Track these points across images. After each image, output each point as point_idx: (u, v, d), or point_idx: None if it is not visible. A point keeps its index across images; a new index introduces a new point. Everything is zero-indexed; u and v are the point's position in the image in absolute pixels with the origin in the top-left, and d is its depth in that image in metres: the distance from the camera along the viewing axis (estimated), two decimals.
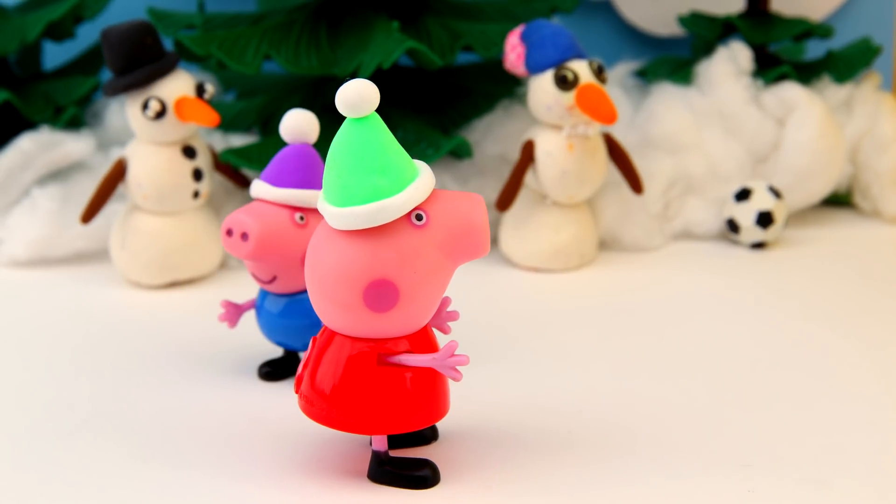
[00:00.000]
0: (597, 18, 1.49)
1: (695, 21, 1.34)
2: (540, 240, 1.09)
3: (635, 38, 1.50)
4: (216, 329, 0.95)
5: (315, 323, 0.79)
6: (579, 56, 1.06)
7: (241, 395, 0.84)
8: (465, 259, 0.66)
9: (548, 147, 1.07)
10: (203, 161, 1.08)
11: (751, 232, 1.13)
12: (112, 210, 1.14)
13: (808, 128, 1.18)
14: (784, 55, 1.36)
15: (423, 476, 0.70)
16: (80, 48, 1.42)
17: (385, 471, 0.70)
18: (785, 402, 0.80)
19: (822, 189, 1.20)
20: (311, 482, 0.71)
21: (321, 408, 0.69)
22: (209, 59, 1.16)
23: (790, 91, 1.21)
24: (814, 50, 1.44)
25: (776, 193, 1.13)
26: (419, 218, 0.65)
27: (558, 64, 1.05)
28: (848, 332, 0.93)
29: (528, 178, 1.09)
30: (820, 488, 0.69)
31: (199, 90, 1.06)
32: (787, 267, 1.10)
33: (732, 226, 1.14)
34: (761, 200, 1.13)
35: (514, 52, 1.08)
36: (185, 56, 1.15)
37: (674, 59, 1.36)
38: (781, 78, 1.25)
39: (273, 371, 0.87)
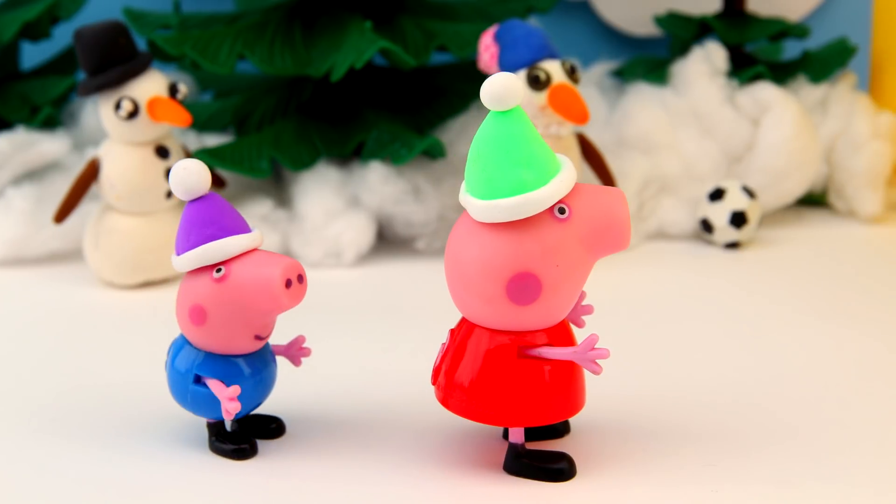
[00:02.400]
0: (575, 18, 1.49)
1: (671, 21, 1.34)
2: None
3: (613, 38, 1.50)
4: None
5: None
6: (552, 56, 1.06)
7: None
8: (605, 252, 0.66)
9: None
10: (176, 161, 1.08)
11: (724, 232, 1.13)
12: (87, 210, 1.14)
13: (783, 128, 1.18)
14: (761, 55, 1.36)
15: (560, 469, 0.70)
16: (58, 48, 1.42)
17: (522, 463, 0.70)
18: (753, 402, 0.80)
19: (797, 189, 1.21)
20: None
21: (460, 399, 0.69)
22: (183, 60, 1.16)
23: (765, 91, 1.21)
24: (792, 50, 1.44)
25: (750, 193, 1.14)
26: (562, 211, 0.65)
27: (531, 64, 1.05)
28: (820, 331, 0.93)
29: None
30: (783, 488, 0.69)
31: (172, 90, 1.06)
32: (761, 267, 1.10)
33: (706, 226, 1.14)
34: (735, 200, 1.13)
35: (487, 53, 1.08)
36: (159, 56, 1.15)
37: (650, 59, 1.36)
38: (756, 78, 1.25)
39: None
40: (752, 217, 1.13)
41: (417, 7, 1.25)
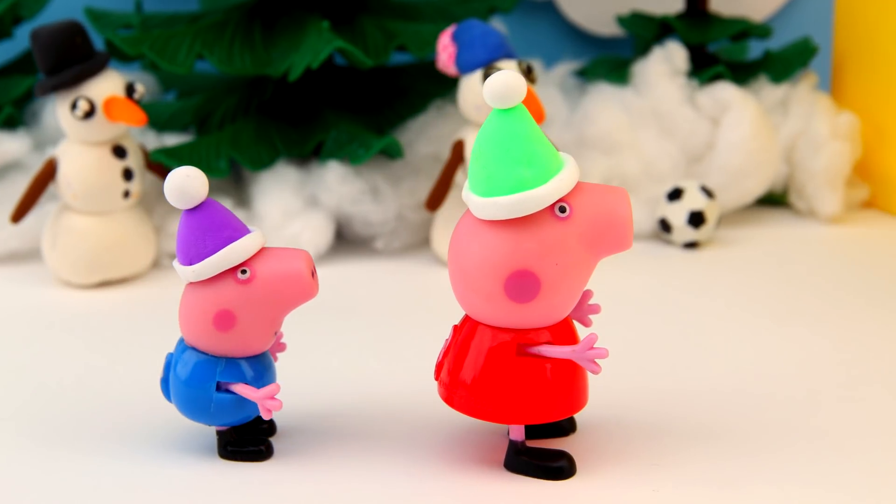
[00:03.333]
0: (540, 18, 1.49)
1: (633, 21, 1.34)
2: None
3: (578, 38, 1.50)
4: (147, 327, 0.96)
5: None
6: (508, 56, 1.06)
7: None
8: (607, 252, 0.66)
9: None
10: (134, 161, 1.08)
11: (683, 232, 1.14)
12: (46, 210, 1.13)
13: (742, 128, 1.19)
14: (725, 55, 1.36)
15: (559, 467, 0.70)
16: (21, 48, 1.41)
17: (522, 461, 0.70)
18: (701, 402, 0.80)
19: (756, 189, 1.21)
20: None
21: (461, 396, 0.69)
22: (141, 60, 1.16)
23: (724, 91, 1.21)
24: (757, 50, 1.44)
25: (708, 193, 1.14)
26: (562, 210, 0.65)
27: (487, 64, 1.05)
28: (776, 331, 0.94)
29: (459, 177, 1.09)
30: (725, 489, 0.69)
31: (129, 90, 1.06)
32: (719, 266, 1.10)
33: (664, 225, 1.15)
34: (693, 200, 1.13)
35: (445, 52, 1.08)
36: (119, 56, 1.15)
37: (613, 59, 1.36)
38: (716, 78, 1.25)
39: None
40: (711, 217, 1.14)
41: (379, 7, 1.25)
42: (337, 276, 1.10)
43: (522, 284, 0.65)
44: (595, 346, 0.67)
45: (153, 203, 1.15)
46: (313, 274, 0.70)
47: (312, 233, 1.11)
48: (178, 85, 1.33)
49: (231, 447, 0.73)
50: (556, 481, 0.69)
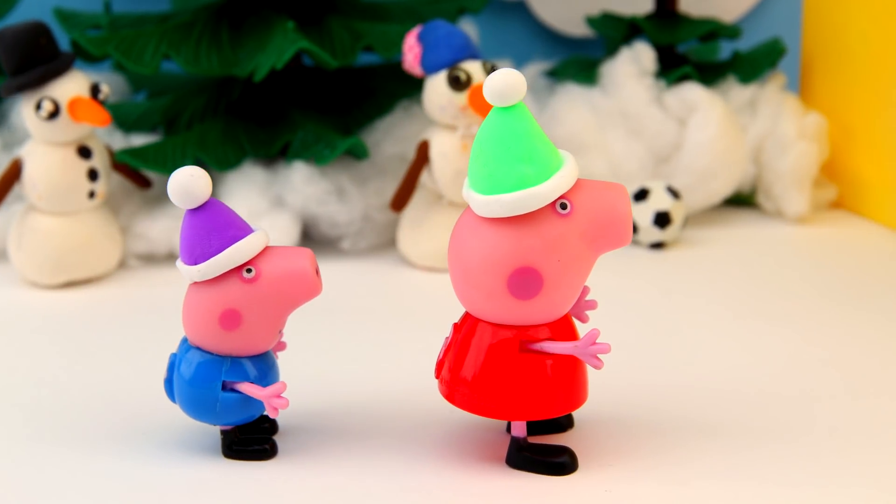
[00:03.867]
0: (511, 19, 1.50)
1: (603, 22, 1.35)
2: (435, 239, 1.09)
3: (550, 39, 1.51)
4: (113, 327, 0.96)
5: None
6: (473, 56, 1.07)
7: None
8: (607, 248, 0.67)
9: (442, 147, 1.07)
10: (99, 161, 1.08)
11: (648, 232, 1.14)
12: (12, 210, 1.13)
13: (708, 128, 1.19)
14: (695, 56, 1.37)
15: (561, 462, 0.70)
16: None
17: (524, 457, 0.71)
18: (657, 403, 0.81)
19: (723, 189, 1.21)
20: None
21: (463, 393, 0.69)
22: (107, 60, 1.16)
23: (691, 92, 1.22)
24: (729, 51, 1.45)
25: (674, 194, 1.14)
26: (563, 206, 0.66)
27: (452, 64, 1.06)
28: (742, 331, 0.94)
29: (425, 177, 1.09)
30: (677, 489, 0.69)
31: (94, 91, 1.06)
32: (685, 267, 1.11)
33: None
34: (659, 201, 1.13)
35: (411, 53, 1.08)
36: (87, 57, 1.15)
37: (583, 59, 1.36)
38: (684, 78, 1.25)
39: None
40: (676, 217, 1.14)
41: (347, 8, 1.25)
42: None
43: (525, 281, 0.66)
44: (597, 341, 0.67)
45: (120, 203, 1.15)
46: (317, 272, 0.71)
47: (278, 233, 1.11)
48: (149, 85, 1.33)
49: (236, 446, 0.73)
50: (558, 476, 0.70)
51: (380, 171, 1.17)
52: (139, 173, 1.13)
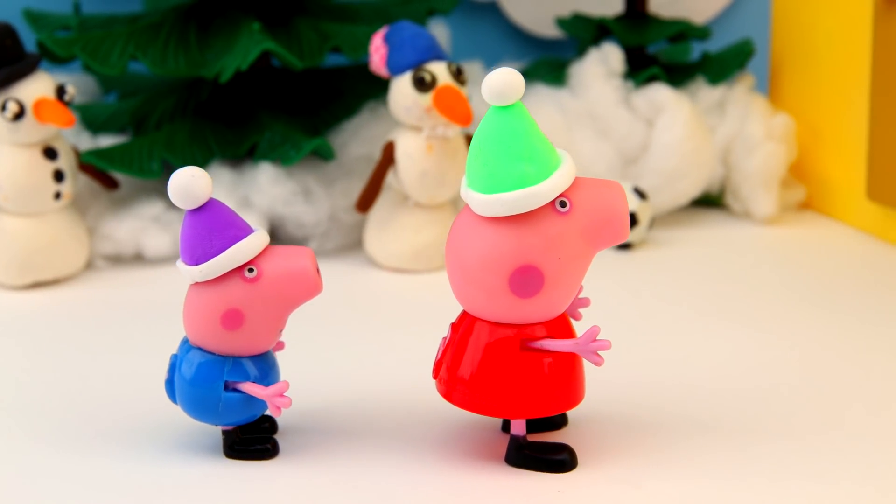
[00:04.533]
0: (483, 20, 1.50)
1: (572, 23, 1.35)
2: (401, 240, 1.09)
3: (522, 40, 1.51)
4: (80, 328, 0.97)
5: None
6: (438, 57, 1.07)
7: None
8: (604, 245, 0.67)
9: (407, 148, 1.07)
10: (65, 162, 1.08)
11: None
12: None
13: (675, 129, 1.19)
14: (666, 57, 1.37)
15: (561, 460, 0.70)
16: None
17: (524, 455, 0.71)
18: (613, 404, 0.81)
19: (691, 190, 1.21)
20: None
21: (462, 392, 0.70)
22: (74, 61, 1.16)
23: (659, 93, 1.22)
24: (700, 52, 1.45)
25: (640, 194, 1.14)
26: (563, 205, 0.66)
27: (417, 65, 1.06)
28: (708, 331, 0.94)
29: (391, 178, 1.10)
30: (629, 490, 0.69)
31: (60, 92, 1.06)
32: (652, 267, 1.11)
33: None
34: None
35: (377, 54, 1.08)
36: (54, 59, 1.15)
37: (553, 60, 1.37)
38: (652, 79, 1.26)
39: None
40: (643, 218, 1.14)
41: (316, 9, 1.25)
42: None
43: (527, 279, 0.66)
44: (597, 338, 0.68)
45: (86, 204, 1.15)
46: (318, 271, 0.71)
47: None
48: (119, 86, 1.33)
49: (237, 446, 0.73)
50: (557, 474, 0.70)
51: (346, 171, 1.17)
52: (106, 174, 1.13)
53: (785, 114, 1.26)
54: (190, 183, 0.68)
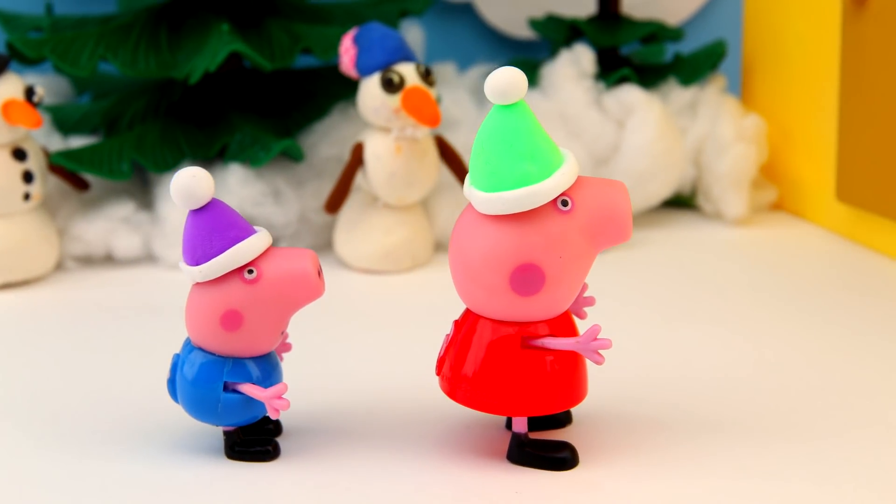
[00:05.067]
0: (458, 21, 1.50)
1: (545, 24, 1.35)
2: (371, 241, 1.09)
3: (496, 41, 1.51)
4: (50, 329, 0.97)
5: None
6: (407, 59, 1.07)
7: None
8: (607, 245, 0.67)
9: (376, 149, 1.07)
10: (35, 163, 1.08)
11: None
12: None
13: (646, 130, 1.19)
14: (641, 58, 1.37)
15: (562, 458, 0.71)
16: None
17: (525, 452, 0.71)
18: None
19: (661, 191, 1.22)
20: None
21: (465, 390, 0.70)
22: (45, 62, 1.16)
23: (629, 94, 1.22)
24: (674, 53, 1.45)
25: None
26: (565, 203, 0.66)
27: (385, 66, 1.06)
28: (679, 332, 0.94)
29: (360, 180, 1.10)
30: (588, 489, 0.69)
31: (29, 93, 1.06)
32: (622, 268, 1.11)
33: None
34: None
35: (347, 55, 1.09)
36: (21, 59, 1.15)
37: (525, 61, 1.37)
38: (624, 80, 1.26)
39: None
40: None
41: (288, 10, 1.25)
42: None
43: (527, 278, 0.66)
44: (598, 336, 0.68)
45: (56, 205, 1.15)
46: (319, 273, 0.71)
47: None
48: (92, 87, 1.33)
49: (238, 447, 0.73)
50: (558, 472, 0.70)
51: (316, 172, 1.17)
52: (77, 175, 1.13)
53: (756, 115, 1.26)
54: (191, 183, 0.68)
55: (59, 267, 1.13)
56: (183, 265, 0.71)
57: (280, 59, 1.16)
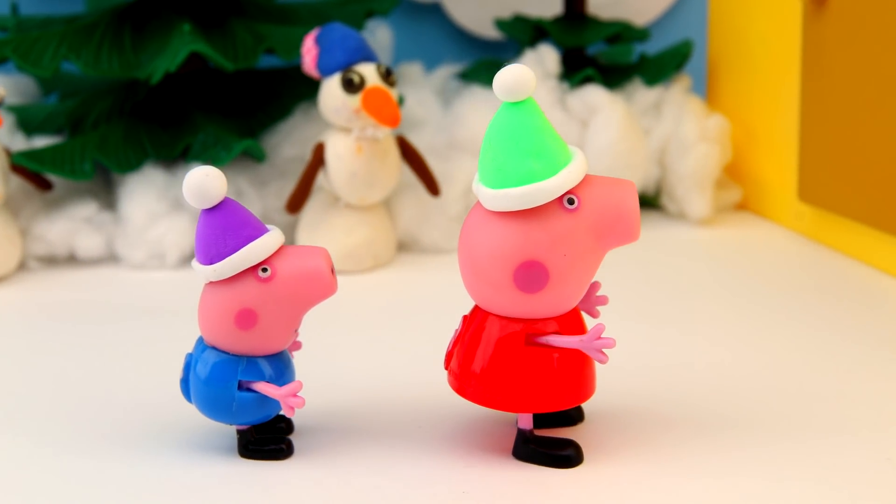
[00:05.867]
0: (427, 21, 1.50)
1: (511, 25, 1.35)
2: (332, 241, 1.10)
3: (465, 41, 1.51)
4: (13, 329, 0.98)
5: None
6: (368, 59, 1.07)
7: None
8: (615, 244, 0.67)
9: (337, 149, 1.08)
10: None
11: None
12: None
13: (609, 130, 1.20)
14: (608, 59, 1.37)
15: (566, 455, 0.71)
16: None
17: (530, 449, 0.71)
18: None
19: None
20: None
21: (472, 386, 0.70)
22: (5, 62, 1.16)
23: (593, 94, 1.22)
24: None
25: None
26: (571, 202, 0.66)
27: (346, 67, 1.06)
28: (644, 332, 0.95)
29: (322, 180, 1.10)
30: (537, 489, 0.69)
31: None
32: None
33: None
34: None
35: (308, 55, 1.09)
36: None
37: (492, 61, 1.37)
38: (588, 81, 1.26)
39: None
40: None
41: (253, 10, 1.25)
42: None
43: (531, 275, 0.66)
44: (602, 336, 0.68)
45: (19, 205, 1.15)
46: (332, 271, 0.71)
47: (176, 235, 1.11)
48: (59, 87, 1.33)
49: (252, 446, 0.73)
50: (563, 469, 0.71)
51: (279, 173, 1.17)
52: (39, 175, 1.13)
53: (720, 115, 1.27)
54: (204, 182, 0.68)
55: (22, 267, 1.14)
56: (196, 264, 0.71)
57: (244, 60, 1.16)
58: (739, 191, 1.29)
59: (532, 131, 0.66)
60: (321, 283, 0.70)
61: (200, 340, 0.73)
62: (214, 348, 0.72)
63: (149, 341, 0.94)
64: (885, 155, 1.02)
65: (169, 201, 1.13)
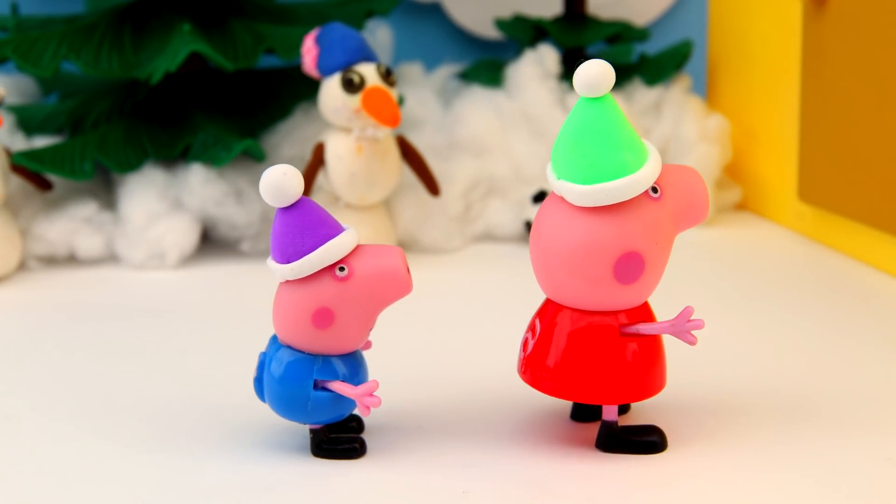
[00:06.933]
0: (427, 21, 1.50)
1: (511, 25, 1.35)
2: None
3: (465, 41, 1.51)
4: (14, 329, 0.98)
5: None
6: (368, 59, 1.07)
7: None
8: (688, 226, 0.70)
9: (337, 149, 1.08)
10: None
11: None
12: None
13: None
14: (608, 58, 1.37)
15: (652, 441, 0.72)
16: None
17: (616, 439, 0.72)
18: (524, 406, 0.80)
19: None
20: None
21: (554, 380, 0.71)
22: (5, 62, 1.16)
23: None
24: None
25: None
26: (655, 191, 0.67)
27: (346, 67, 1.06)
28: None
29: (322, 180, 1.10)
30: (533, 491, 0.69)
31: None
32: None
33: (530, 227, 1.15)
34: None
35: (308, 55, 1.09)
36: None
37: (492, 61, 1.37)
38: None
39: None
40: None
41: (253, 10, 1.25)
42: (203, 279, 1.10)
43: (631, 266, 0.67)
44: (691, 318, 0.69)
45: (19, 205, 1.15)
46: (408, 270, 0.70)
47: (176, 235, 1.11)
48: (60, 87, 1.33)
49: (326, 445, 0.73)
50: (649, 455, 0.71)
51: None
52: (39, 175, 1.13)
53: (720, 115, 1.27)
54: (282, 181, 0.68)
55: (22, 267, 1.14)
56: (272, 263, 0.70)
57: (243, 59, 1.16)
58: (739, 191, 1.29)
59: (619, 125, 0.67)
60: (398, 283, 0.70)
61: (274, 339, 0.72)
62: (289, 347, 0.71)
63: (149, 341, 0.94)
64: (884, 155, 1.02)
65: (169, 201, 1.13)
